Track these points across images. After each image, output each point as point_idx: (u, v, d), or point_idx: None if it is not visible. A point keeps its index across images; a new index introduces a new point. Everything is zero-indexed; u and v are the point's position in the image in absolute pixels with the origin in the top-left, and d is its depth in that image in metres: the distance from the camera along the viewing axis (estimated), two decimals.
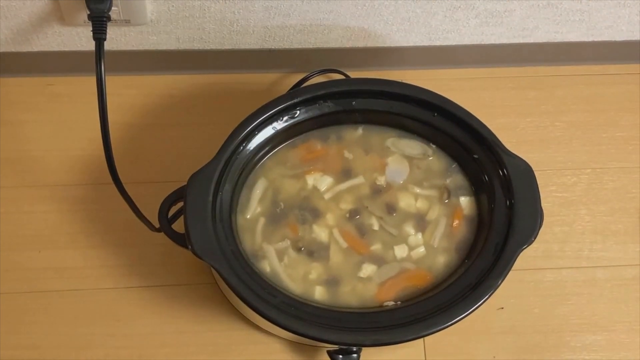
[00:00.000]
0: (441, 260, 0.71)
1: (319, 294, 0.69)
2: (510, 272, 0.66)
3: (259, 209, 0.73)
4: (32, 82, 0.89)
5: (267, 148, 0.75)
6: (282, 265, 0.70)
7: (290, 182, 0.75)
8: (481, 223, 0.73)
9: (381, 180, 0.75)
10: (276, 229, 0.72)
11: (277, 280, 0.69)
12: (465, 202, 0.74)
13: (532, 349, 0.76)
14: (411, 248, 0.72)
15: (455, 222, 0.73)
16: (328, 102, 0.76)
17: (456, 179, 0.76)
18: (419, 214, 0.74)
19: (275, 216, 0.73)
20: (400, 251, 0.71)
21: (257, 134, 0.73)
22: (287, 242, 0.71)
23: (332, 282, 0.70)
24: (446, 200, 0.74)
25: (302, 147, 0.77)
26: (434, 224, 0.73)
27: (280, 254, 0.71)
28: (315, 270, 0.70)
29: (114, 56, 0.86)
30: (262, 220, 0.72)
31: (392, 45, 0.90)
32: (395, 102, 0.77)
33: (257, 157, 0.75)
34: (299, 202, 0.74)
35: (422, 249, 0.72)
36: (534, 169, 0.71)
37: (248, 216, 0.72)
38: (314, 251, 0.71)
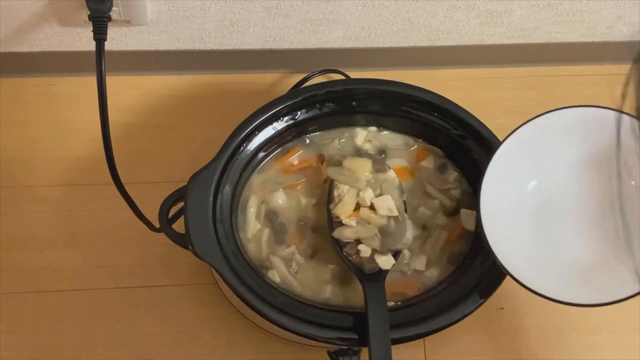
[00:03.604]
0: (435, 272, 0.71)
1: (330, 295, 0.69)
2: None
3: (258, 226, 0.73)
4: (32, 82, 0.89)
5: (267, 148, 0.75)
6: (291, 272, 0.70)
7: (280, 196, 0.75)
8: (477, 237, 0.72)
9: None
10: (280, 239, 0.72)
11: (286, 285, 0.70)
12: (465, 214, 0.74)
13: (532, 349, 0.76)
14: (408, 255, 0.72)
15: (454, 234, 0.73)
16: (328, 102, 0.76)
17: (456, 182, 0.76)
18: (419, 222, 0.74)
19: (276, 228, 0.73)
20: (399, 258, 0.71)
21: (257, 135, 0.73)
22: (293, 248, 0.71)
23: (340, 284, 0.70)
24: (449, 214, 0.74)
25: (289, 155, 0.77)
26: (433, 233, 0.73)
27: (288, 262, 0.71)
28: (324, 274, 0.70)
29: (114, 56, 0.86)
30: (266, 232, 0.72)
31: (392, 45, 0.90)
32: (395, 103, 0.77)
33: (258, 157, 0.75)
34: (295, 213, 0.74)
35: (422, 257, 0.72)
36: None
37: (249, 235, 0.72)
38: (319, 255, 0.71)
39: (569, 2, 0.86)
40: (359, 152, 0.76)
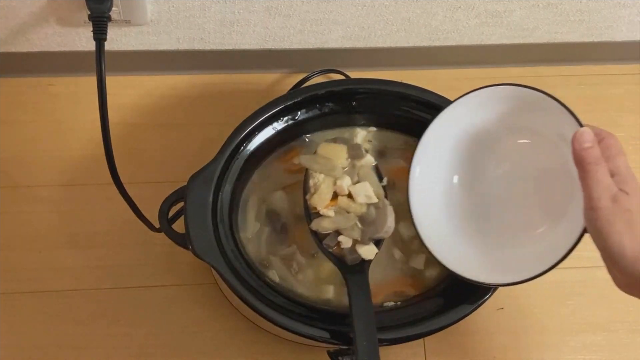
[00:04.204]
0: (435, 272, 0.71)
1: (331, 295, 0.69)
2: None
3: (258, 226, 0.72)
4: (32, 82, 0.89)
5: (267, 148, 0.75)
6: (291, 272, 0.70)
7: (280, 195, 0.74)
8: None
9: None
10: (281, 238, 0.72)
11: (286, 285, 0.69)
12: None
13: (532, 349, 0.76)
14: (408, 253, 0.72)
15: None
16: (328, 102, 0.76)
17: None
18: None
19: (277, 228, 0.73)
20: (398, 255, 0.72)
21: (257, 134, 0.73)
22: (294, 248, 0.71)
23: (341, 284, 0.70)
24: None
25: (289, 155, 0.76)
26: None
27: (289, 261, 0.71)
28: (325, 273, 0.70)
29: (114, 56, 0.86)
30: (266, 232, 0.72)
31: (392, 45, 0.90)
32: (395, 103, 0.77)
33: (258, 157, 0.75)
34: (295, 212, 0.73)
35: (421, 256, 0.72)
36: None
37: (249, 235, 0.72)
38: (320, 255, 0.71)
39: (569, 2, 0.86)
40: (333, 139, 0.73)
